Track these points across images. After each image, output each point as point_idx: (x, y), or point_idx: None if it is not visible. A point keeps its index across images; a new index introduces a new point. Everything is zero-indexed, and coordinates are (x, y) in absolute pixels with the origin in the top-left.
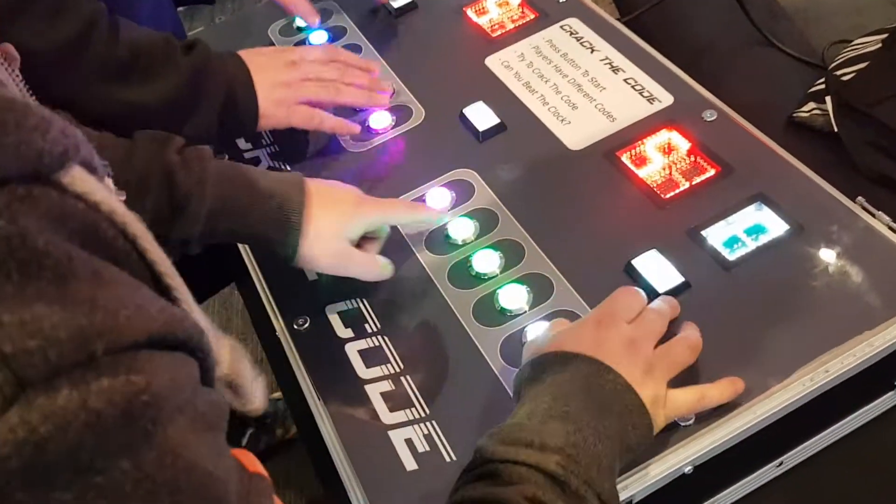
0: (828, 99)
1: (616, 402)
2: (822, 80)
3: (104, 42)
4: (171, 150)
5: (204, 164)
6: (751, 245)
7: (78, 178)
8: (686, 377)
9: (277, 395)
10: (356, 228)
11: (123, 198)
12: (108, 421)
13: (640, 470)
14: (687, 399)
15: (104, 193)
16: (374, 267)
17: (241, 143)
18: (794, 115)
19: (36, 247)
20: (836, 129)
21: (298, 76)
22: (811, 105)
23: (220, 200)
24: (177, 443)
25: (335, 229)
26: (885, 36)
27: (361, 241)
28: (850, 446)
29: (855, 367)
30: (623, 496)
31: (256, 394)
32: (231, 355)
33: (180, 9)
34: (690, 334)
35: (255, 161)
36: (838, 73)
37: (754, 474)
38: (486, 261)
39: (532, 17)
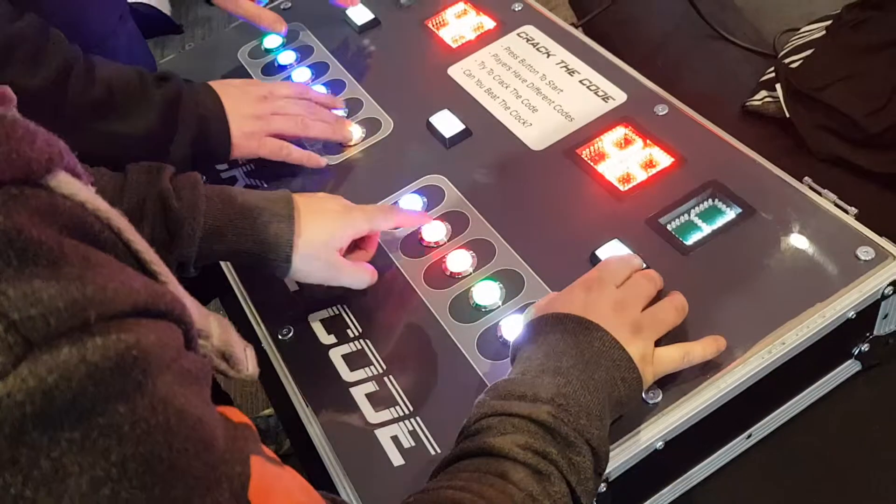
0: (778, 86)
1: (604, 357)
2: (773, 68)
3: (81, 84)
4: (164, 178)
5: (195, 190)
6: (706, 230)
7: (64, 182)
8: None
9: (269, 411)
10: (345, 237)
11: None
12: (104, 371)
13: (614, 448)
14: (673, 356)
15: (88, 193)
16: (364, 275)
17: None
18: (748, 103)
19: (31, 237)
20: (788, 115)
21: (268, 110)
22: (763, 93)
23: (213, 222)
24: (166, 392)
25: (324, 239)
26: (829, 23)
27: (350, 251)
28: (816, 415)
29: (810, 338)
30: None
31: (249, 361)
32: (219, 328)
33: (150, 39)
34: (676, 297)
35: (232, 180)
36: (787, 60)
37: (724, 448)
38: (460, 260)
39: (490, 26)
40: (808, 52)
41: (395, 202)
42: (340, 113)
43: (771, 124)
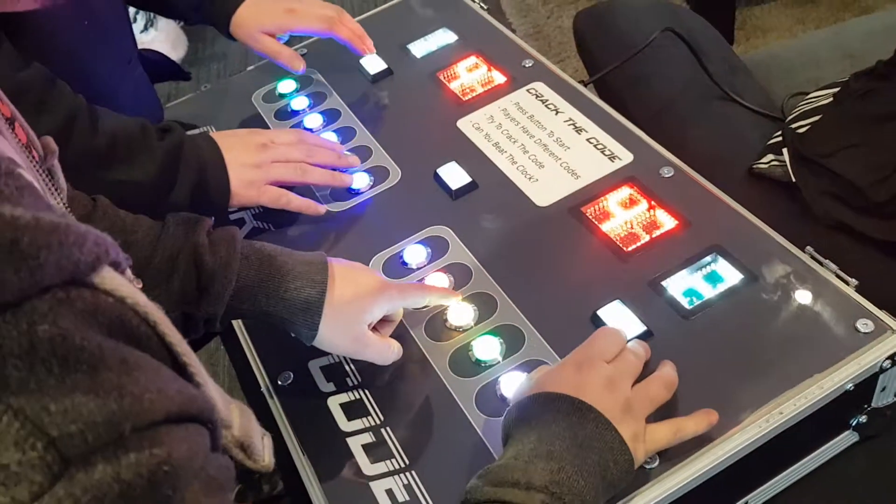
0: (785, 151)
1: (597, 439)
2: (780, 132)
3: (85, 134)
4: (201, 232)
5: (231, 246)
6: (708, 294)
7: (107, 278)
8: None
9: None
10: (376, 313)
11: (140, 286)
12: (136, 489)
13: None
14: (664, 432)
15: (129, 288)
16: (388, 352)
17: None
18: (755, 166)
19: (74, 344)
20: (794, 180)
21: (268, 158)
22: (770, 157)
23: (245, 282)
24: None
25: (355, 314)
26: (837, 90)
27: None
28: (812, 485)
29: (807, 409)
30: None
31: (266, 451)
32: (241, 418)
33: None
34: (666, 372)
35: (240, 222)
36: (794, 125)
37: None
38: (461, 314)
39: (500, 81)
40: (816, 118)
41: (400, 251)
42: (346, 153)
43: (777, 188)
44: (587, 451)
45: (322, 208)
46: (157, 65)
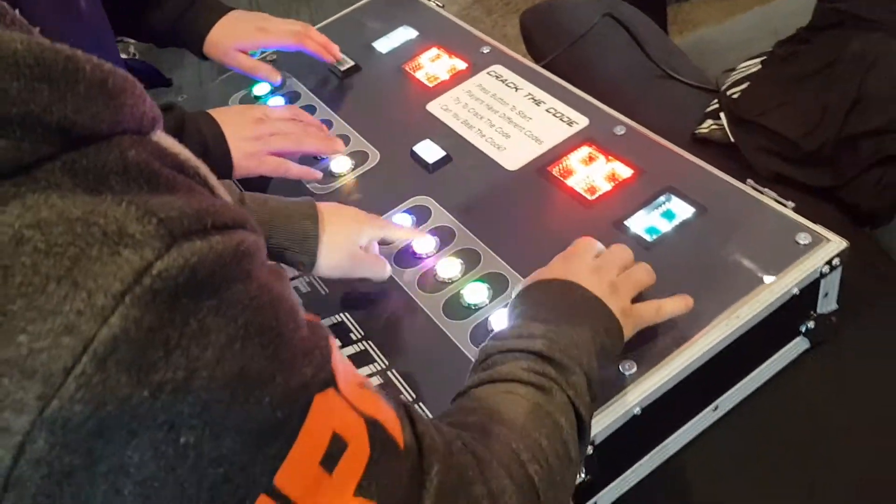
0: (722, 115)
1: (586, 309)
2: (716, 100)
3: None
4: None
5: (231, 191)
6: (665, 228)
7: (162, 137)
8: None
9: None
10: (364, 236)
11: None
12: (226, 258)
13: (598, 414)
14: (648, 309)
15: (180, 147)
16: (381, 265)
17: None
18: (696, 132)
19: (154, 168)
20: (732, 140)
21: (266, 131)
22: (709, 122)
23: None
24: (266, 280)
25: (347, 235)
26: (764, 58)
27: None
28: (770, 392)
29: (761, 312)
30: None
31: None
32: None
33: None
34: (647, 265)
35: None
36: (729, 92)
37: (695, 419)
38: (449, 267)
39: (462, 67)
40: (747, 85)
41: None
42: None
43: (718, 149)
44: (578, 318)
45: (318, 174)
46: (140, 73)
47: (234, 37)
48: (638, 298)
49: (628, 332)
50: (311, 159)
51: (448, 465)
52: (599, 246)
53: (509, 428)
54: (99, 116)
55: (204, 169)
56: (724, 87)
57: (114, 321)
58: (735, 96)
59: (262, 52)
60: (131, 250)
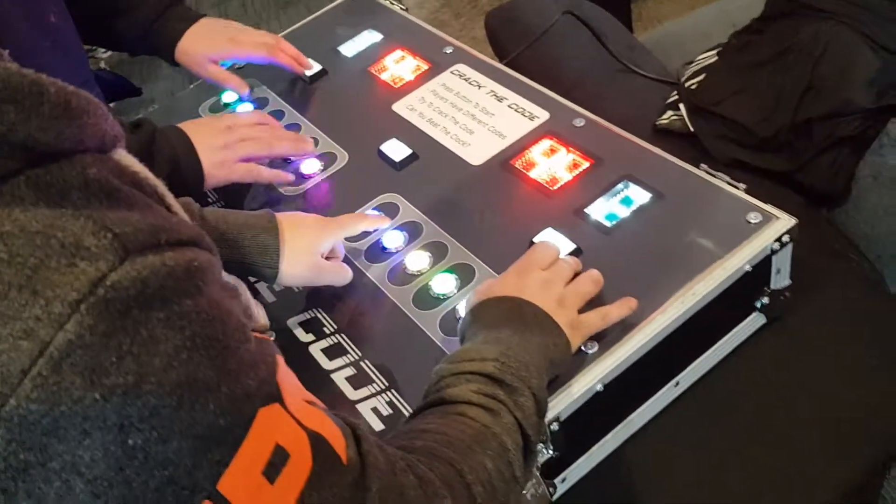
0: (681, 106)
1: (537, 326)
2: (676, 92)
3: None
4: None
5: (189, 209)
6: (624, 214)
7: (123, 156)
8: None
9: None
10: (325, 244)
11: None
12: (177, 273)
13: (562, 392)
14: (594, 318)
15: (140, 166)
16: (344, 272)
17: None
18: (657, 123)
19: (113, 185)
20: (692, 129)
21: (234, 138)
22: (669, 113)
23: (211, 237)
24: (217, 296)
25: (307, 245)
26: (720, 49)
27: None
28: (730, 367)
29: (716, 289)
30: (551, 414)
31: (261, 315)
32: (235, 282)
33: (112, 104)
34: (593, 272)
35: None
36: (688, 84)
37: (657, 395)
38: (418, 260)
39: (426, 67)
40: (704, 76)
41: None
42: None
43: (678, 139)
44: (529, 335)
45: (290, 176)
46: (110, 83)
47: (206, 47)
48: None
49: (576, 343)
50: (282, 162)
51: (389, 483)
52: (555, 249)
53: (455, 450)
54: (62, 135)
55: (162, 188)
56: (683, 79)
57: (69, 327)
58: (693, 87)
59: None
60: (87, 262)
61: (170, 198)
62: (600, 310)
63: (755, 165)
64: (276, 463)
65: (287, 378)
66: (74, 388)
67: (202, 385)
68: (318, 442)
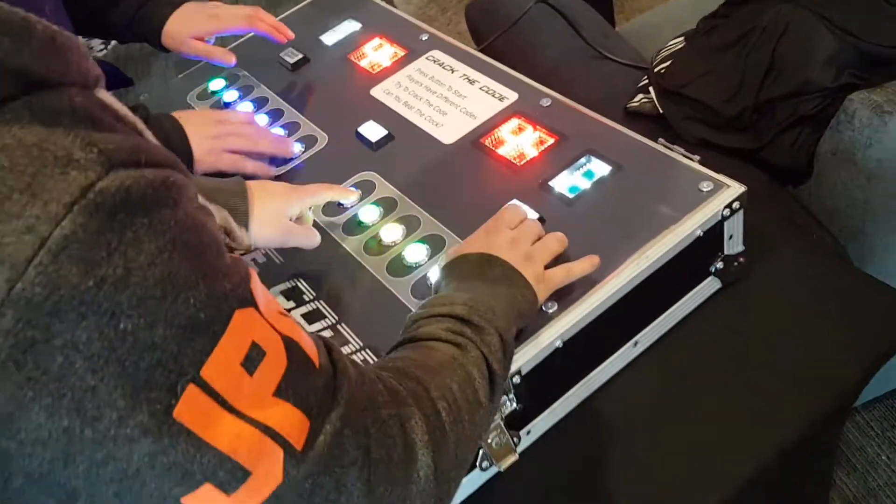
0: (651, 89)
1: (504, 279)
2: (647, 76)
3: None
4: None
5: None
6: (585, 186)
7: (104, 95)
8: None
9: None
10: (294, 209)
11: None
12: (156, 185)
13: (523, 347)
14: (558, 273)
15: (119, 104)
16: (312, 235)
17: None
18: (628, 106)
19: (97, 114)
20: (661, 111)
21: (224, 131)
22: (640, 96)
23: None
24: (192, 211)
25: (276, 209)
26: (688, 34)
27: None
28: (686, 330)
29: (669, 252)
30: (513, 367)
31: (243, 236)
32: (219, 213)
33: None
34: (558, 233)
35: None
36: (657, 69)
37: (617, 354)
38: (392, 232)
39: (403, 54)
40: (672, 60)
41: None
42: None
43: (649, 121)
44: (497, 286)
45: (272, 171)
46: (105, 74)
47: (188, 26)
48: (552, 263)
49: (542, 296)
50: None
51: (360, 388)
52: (522, 211)
53: (423, 371)
54: (51, 68)
55: (141, 125)
56: (653, 64)
57: (65, 224)
58: (662, 71)
59: (218, 39)
60: (77, 172)
61: (148, 134)
62: (565, 266)
63: (721, 145)
64: (254, 358)
65: (260, 290)
66: (71, 276)
67: (182, 281)
68: (291, 345)
